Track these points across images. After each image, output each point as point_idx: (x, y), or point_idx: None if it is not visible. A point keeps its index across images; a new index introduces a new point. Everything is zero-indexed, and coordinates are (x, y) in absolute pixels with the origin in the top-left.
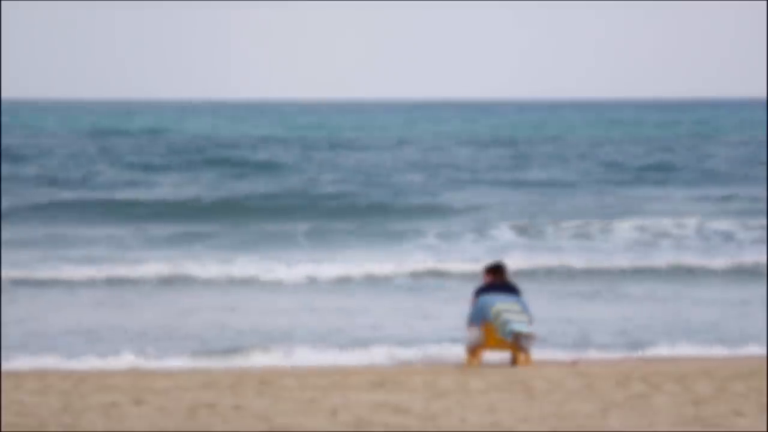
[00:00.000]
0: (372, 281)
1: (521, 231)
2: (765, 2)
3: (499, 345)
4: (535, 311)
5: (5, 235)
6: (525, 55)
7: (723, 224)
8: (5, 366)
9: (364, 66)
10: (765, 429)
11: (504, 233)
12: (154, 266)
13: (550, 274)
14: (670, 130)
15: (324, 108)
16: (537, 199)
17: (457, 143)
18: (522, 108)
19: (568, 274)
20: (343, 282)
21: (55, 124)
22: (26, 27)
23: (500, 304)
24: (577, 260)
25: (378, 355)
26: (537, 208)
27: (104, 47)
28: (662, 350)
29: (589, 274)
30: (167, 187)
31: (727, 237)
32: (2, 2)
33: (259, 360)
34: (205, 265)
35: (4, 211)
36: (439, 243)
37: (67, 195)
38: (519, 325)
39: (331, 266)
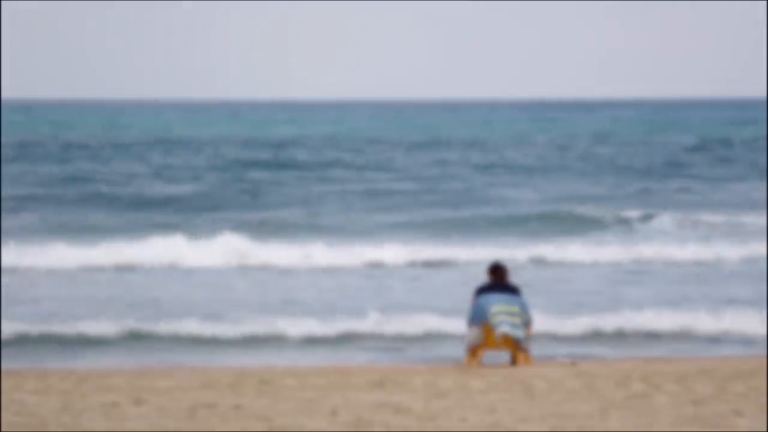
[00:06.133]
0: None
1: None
2: (765, 2)
3: (499, 345)
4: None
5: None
6: (525, 55)
7: None
8: (5, 366)
9: (359, 66)
10: (765, 429)
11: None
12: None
13: None
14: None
15: (324, 108)
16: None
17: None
18: (526, 108)
19: None
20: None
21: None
22: (26, 27)
23: (499, 305)
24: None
25: None
26: None
27: (100, 47)
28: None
29: None
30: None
31: None
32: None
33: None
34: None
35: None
36: None
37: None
38: (512, 328)
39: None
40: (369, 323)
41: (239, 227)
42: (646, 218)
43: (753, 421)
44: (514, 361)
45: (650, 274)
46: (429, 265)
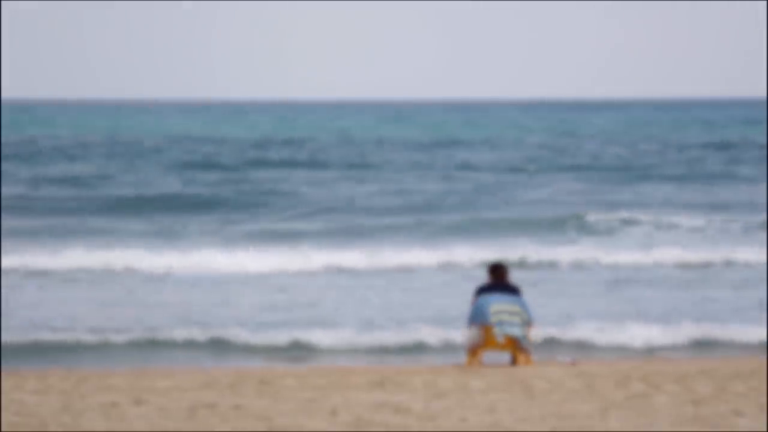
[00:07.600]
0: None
1: None
2: (765, 2)
3: (499, 345)
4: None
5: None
6: (526, 55)
7: None
8: (5, 366)
9: (360, 66)
10: (765, 429)
11: None
12: None
13: None
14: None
15: (326, 108)
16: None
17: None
18: (529, 108)
19: None
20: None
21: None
22: (26, 27)
23: (498, 304)
24: None
25: None
26: None
27: (100, 47)
28: None
29: None
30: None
31: None
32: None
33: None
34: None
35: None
36: None
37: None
38: (511, 328)
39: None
40: (372, 325)
41: (244, 229)
42: (655, 220)
43: (753, 421)
44: (514, 361)
45: (659, 276)
46: (433, 266)
